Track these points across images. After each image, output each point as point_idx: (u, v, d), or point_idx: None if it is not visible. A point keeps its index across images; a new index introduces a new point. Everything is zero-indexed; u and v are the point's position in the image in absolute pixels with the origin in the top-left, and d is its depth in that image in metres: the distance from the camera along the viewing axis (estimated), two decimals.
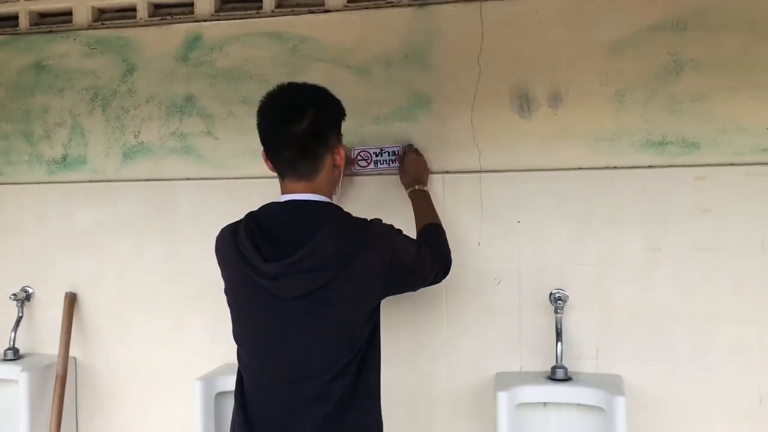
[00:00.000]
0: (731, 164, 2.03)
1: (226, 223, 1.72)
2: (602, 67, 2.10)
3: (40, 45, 2.53)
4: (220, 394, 2.23)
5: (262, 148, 1.68)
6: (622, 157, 2.10)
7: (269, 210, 1.66)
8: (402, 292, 1.80)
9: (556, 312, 2.11)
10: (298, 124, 1.60)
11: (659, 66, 2.07)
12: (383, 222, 1.71)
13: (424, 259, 1.76)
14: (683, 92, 2.06)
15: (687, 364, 2.08)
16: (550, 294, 2.14)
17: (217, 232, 1.72)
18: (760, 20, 2.00)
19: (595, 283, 2.13)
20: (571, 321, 2.14)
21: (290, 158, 1.63)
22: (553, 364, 2.09)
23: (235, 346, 1.71)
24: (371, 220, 1.69)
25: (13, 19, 2.59)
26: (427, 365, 2.25)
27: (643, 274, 2.10)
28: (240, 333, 1.69)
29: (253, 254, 1.59)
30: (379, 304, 1.70)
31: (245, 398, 1.67)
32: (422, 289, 2.22)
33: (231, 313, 1.69)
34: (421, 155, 2.19)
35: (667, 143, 2.07)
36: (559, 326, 2.11)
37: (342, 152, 1.69)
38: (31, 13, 2.56)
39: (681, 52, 2.05)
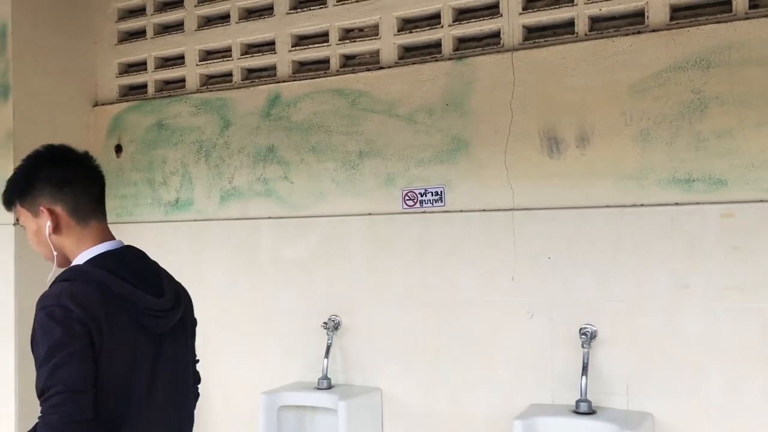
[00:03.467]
0: (761, 201, 1.99)
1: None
2: (627, 107, 2.16)
3: (161, 107, 3.06)
4: (284, 408, 2.52)
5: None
6: (648, 195, 2.13)
7: (119, 258, 1.50)
8: None
9: (582, 346, 2.16)
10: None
11: (683, 104, 2.09)
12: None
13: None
14: (709, 129, 2.05)
15: (719, 405, 2.02)
16: (580, 329, 2.20)
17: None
18: None
19: (624, 319, 2.15)
20: (601, 356, 2.18)
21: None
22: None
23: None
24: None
25: (143, 87, 3.16)
26: (468, 394, 2.38)
27: (672, 311, 2.09)
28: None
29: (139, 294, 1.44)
30: None
31: None
32: (466, 318, 2.36)
33: None
34: None
35: (694, 180, 2.07)
36: (585, 360, 2.15)
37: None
38: (157, 81, 3.12)
39: (705, 89, 2.06)
